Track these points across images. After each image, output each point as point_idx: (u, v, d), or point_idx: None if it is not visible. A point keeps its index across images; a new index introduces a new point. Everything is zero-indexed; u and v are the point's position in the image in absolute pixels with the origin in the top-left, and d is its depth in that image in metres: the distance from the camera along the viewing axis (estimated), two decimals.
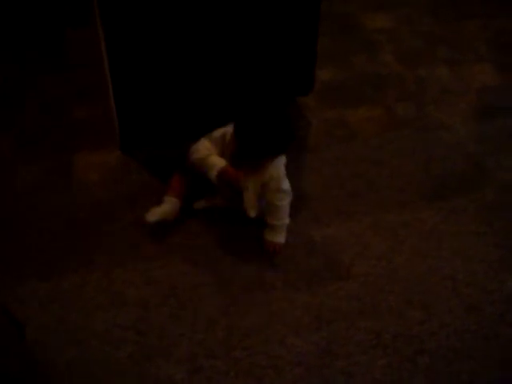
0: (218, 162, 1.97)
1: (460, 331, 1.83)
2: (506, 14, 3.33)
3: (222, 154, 2.01)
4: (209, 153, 1.99)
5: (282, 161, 1.97)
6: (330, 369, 1.73)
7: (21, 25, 3.17)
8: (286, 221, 2.01)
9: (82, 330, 1.79)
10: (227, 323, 1.82)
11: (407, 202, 2.22)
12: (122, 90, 2.17)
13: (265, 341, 1.78)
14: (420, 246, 2.07)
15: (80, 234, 2.09)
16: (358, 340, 1.80)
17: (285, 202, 1.97)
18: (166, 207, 2.06)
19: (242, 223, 2.10)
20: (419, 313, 1.87)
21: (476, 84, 2.83)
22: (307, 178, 2.32)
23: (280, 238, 2.02)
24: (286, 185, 1.96)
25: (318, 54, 2.39)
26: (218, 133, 2.02)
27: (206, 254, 2.03)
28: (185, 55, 2.14)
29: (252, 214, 2.02)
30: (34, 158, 2.38)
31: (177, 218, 2.09)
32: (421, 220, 2.16)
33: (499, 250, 2.07)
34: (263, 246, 2.03)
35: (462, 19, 3.32)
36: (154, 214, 2.03)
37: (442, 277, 1.98)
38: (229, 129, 1.97)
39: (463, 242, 2.09)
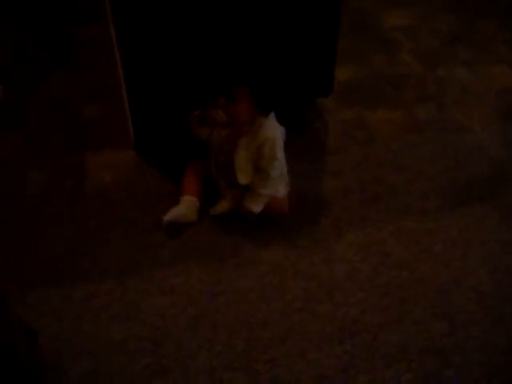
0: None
1: (487, 345, 1.76)
2: None
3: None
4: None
5: (277, 126, 1.97)
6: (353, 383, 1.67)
7: (30, 21, 3.11)
8: (270, 191, 1.99)
9: (96, 340, 1.73)
10: (247, 335, 1.75)
11: (430, 209, 2.16)
12: (136, 91, 2.11)
13: (286, 353, 1.71)
14: (443, 254, 2.01)
15: (92, 238, 2.02)
16: (382, 353, 1.73)
17: (277, 173, 1.97)
18: (183, 207, 2.02)
19: (258, 226, 2.05)
20: (444, 325, 1.81)
21: (496, 85, 2.76)
22: (327, 181, 2.25)
23: (257, 208, 2.00)
24: (280, 154, 1.96)
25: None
26: None
27: (222, 260, 1.96)
28: (201, 54, 2.08)
29: (242, 180, 1.99)
30: (44, 157, 2.31)
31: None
32: (444, 227, 2.09)
33: None
34: (240, 210, 2.03)
35: (481, 17, 3.25)
36: (169, 214, 1.99)
37: (467, 288, 1.91)
38: None
39: (488, 250, 2.02)
